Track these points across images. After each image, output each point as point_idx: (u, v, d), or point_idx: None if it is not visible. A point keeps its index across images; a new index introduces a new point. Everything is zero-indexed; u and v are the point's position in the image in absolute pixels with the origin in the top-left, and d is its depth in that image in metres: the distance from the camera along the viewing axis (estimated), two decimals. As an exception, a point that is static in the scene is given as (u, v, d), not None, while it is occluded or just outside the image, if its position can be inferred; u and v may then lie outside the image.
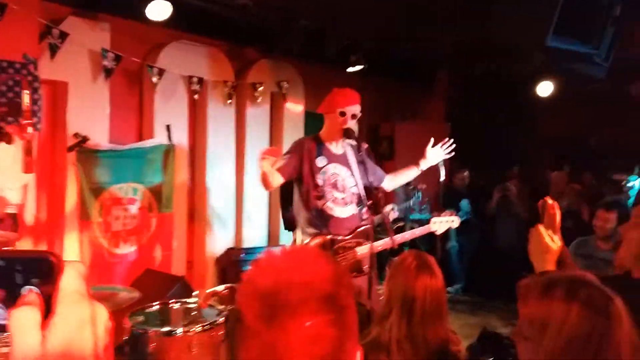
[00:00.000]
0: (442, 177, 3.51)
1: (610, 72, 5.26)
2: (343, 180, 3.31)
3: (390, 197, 5.30)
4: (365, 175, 3.24)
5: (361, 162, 3.28)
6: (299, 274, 0.82)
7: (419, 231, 3.47)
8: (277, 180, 3.18)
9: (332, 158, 3.32)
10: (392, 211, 4.03)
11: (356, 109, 3.28)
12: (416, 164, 3.51)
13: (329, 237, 3.25)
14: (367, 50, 5.73)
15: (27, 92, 2.13)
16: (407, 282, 1.92)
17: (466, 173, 6.66)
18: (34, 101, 3.48)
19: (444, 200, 5.43)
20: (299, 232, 3.36)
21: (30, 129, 2.10)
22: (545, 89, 6.31)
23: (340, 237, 3.26)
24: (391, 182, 3.58)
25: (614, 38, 4.80)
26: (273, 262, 0.86)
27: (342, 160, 3.33)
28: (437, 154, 3.51)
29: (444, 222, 3.46)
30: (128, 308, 2.48)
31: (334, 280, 0.83)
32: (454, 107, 7.29)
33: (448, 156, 3.55)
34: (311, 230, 3.28)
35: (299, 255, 0.91)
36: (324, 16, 5.14)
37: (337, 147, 3.34)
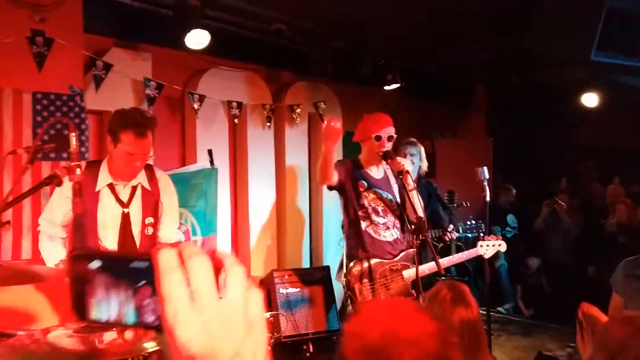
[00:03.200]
0: (488, 197, 3.40)
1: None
2: (384, 205, 3.29)
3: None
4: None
5: (402, 186, 3.25)
6: (405, 330, 0.80)
7: (466, 255, 3.42)
8: (333, 174, 3.18)
9: (374, 182, 3.31)
10: (452, 232, 3.93)
11: (390, 130, 3.30)
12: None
13: (373, 261, 3.21)
14: (403, 69, 5.70)
15: (74, 134, 2.17)
16: (443, 316, 1.85)
17: (511, 188, 6.47)
18: (81, 131, 3.58)
19: (489, 217, 5.28)
20: (344, 254, 3.33)
21: (78, 171, 2.13)
22: (590, 100, 6.11)
23: (385, 261, 3.22)
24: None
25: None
26: (376, 315, 0.84)
27: (384, 184, 3.33)
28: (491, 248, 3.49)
29: (491, 247, 3.44)
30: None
31: (441, 338, 0.81)
32: (495, 122, 7.14)
33: None
34: (355, 252, 3.24)
35: (402, 308, 0.89)
36: (358, 36, 5.16)
37: (378, 171, 3.37)
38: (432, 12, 4.53)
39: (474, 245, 3.72)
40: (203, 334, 0.47)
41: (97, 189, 2.62)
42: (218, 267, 0.50)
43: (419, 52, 5.64)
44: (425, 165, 4.75)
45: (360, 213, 3.26)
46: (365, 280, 3.15)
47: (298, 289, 4.52)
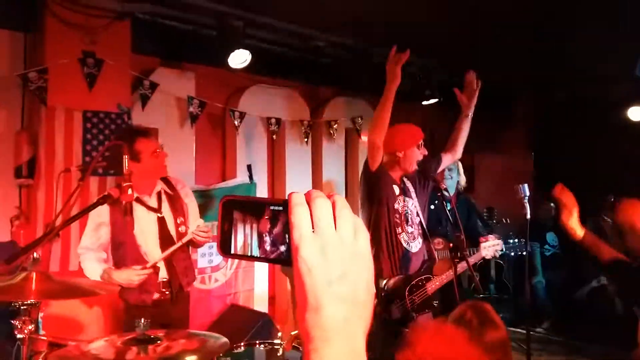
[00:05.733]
0: (528, 215, 3.34)
1: None
2: (411, 214, 3.27)
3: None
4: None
5: (421, 192, 3.32)
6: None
7: (472, 259, 3.40)
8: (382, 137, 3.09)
9: (403, 191, 3.29)
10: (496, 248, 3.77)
11: (423, 149, 3.29)
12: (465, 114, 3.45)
13: (403, 276, 3.18)
14: (442, 82, 5.67)
15: (127, 156, 2.32)
16: (472, 339, 1.83)
17: (552, 205, 6.31)
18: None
19: (529, 234, 5.18)
20: None
21: (130, 191, 2.26)
22: (635, 114, 5.92)
23: (413, 275, 3.19)
24: (451, 155, 3.49)
25: None
26: (429, 347, 0.86)
27: (409, 193, 3.31)
28: (492, 248, 3.50)
29: (491, 247, 3.49)
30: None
31: None
32: (537, 136, 7.00)
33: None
34: (385, 265, 3.19)
35: (454, 339, 0.91)
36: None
37: (402, 178, 3.32)
38: (473, 25, 4.50)
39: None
40: (320, 253, 0.60)
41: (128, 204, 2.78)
42: (334, 208, 0.62)
43: (459, 66, 5.59)
44: (463, 180, 4.70)
45: (393, 218, 3.18)
46: (397, 299, 3.12)
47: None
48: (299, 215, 0.61)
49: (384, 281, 3.16)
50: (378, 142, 3.06)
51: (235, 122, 4.52)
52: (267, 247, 0.66)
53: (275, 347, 2.61)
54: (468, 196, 4.94)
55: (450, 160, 3.55)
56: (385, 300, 3.10)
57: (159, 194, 2.94)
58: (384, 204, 3.17)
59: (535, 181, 5.95)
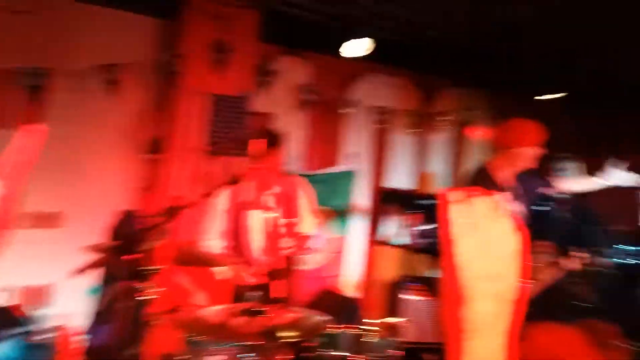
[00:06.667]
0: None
1: None
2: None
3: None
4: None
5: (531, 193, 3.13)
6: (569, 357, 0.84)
7: (564, 267, 3.08)
8: None
9: (499, 191, 3.12)
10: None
11: (539, 149, 3.10)
12: None
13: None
14: (561, 78, 5.34)
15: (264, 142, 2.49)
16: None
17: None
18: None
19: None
20: None
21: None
22: None
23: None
24: None
25: None
26: (546, 344, 0.89)
27: (514, 191, 3.09)
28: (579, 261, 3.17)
29: (579, 259, 3.12)
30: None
31: None
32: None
33: None
34: None
35: (567, 338, 0.92)
36: (513, 44, 4.94)
37: (506, 179, 3.12)
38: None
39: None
40: (475, 250, 0.63)
41: (245, 199, 2.97)
42: (494, 208, 0.66)
43: (587, 55, 5.13)
44: (579, 187, 4.44)
45: None
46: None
47: (427, 297, 4.54)
48: (455, 212, 0.65)
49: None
50: None
51: (347, 110, 4.64)
52: (414, 238, 0.73)
53: (365, 332, 2.65)
54: (587, 202, 4.66)
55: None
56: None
57: (275, 194, 3.02)
58: None
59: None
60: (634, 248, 3.72)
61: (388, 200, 0.98)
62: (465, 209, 0.64)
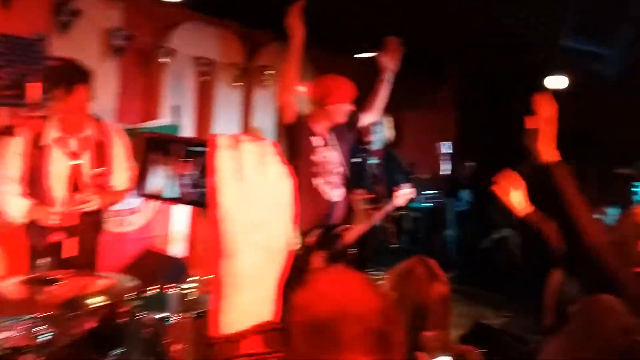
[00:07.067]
0: (447, 171, 3.51)
1: (622, 71, 5.22)
2: (333, 164, 3.30)
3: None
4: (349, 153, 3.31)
5: (343, 143, 3.31)
6: (352, 305, 0.82)
7: (389, 207, 3.48)
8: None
9: (324, 141, 3.27)
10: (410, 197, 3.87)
11: (351, 105, 3.27)
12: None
13: (323, 226, 3.26)
14: (377, 38, 5.67)
15: (38, 84, 2.18)
16: (420, 293, 1.92)
17: (470, 163, 6.65)
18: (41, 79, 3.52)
19: (445, 189, 5.45)
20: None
21: (39, 122, 2.13)
22: (557, 83, 6.25)
23: (332, 225, 3.27)
24: (372, 114, 3.52)
25: (630, 37, 4.76)
26: (326, 289, 0.86)
27: (332, 142, 3.30)
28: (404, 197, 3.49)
29: (404, 195, 3.53)
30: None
31: (385, 315, 0.83)
32: (463, 96, 7.24)
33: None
34: (307, 215, 3.25)
35: (351, 283, 0.90)
36: (336, 3, 5.10)
37: (326, 130, 3.30)
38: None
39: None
40: (239, 200, 0.58)
41: (45, 143, 2.63)
42: (263, 154, 0.61)
43: (393, 22, 5.60)
44: (390, 136, 4.83)
45: (311, 170, 3.18)
46: (318, 250, 3.21)
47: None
48: (221, 159, 0.58)
49: (305, 232, 3.23)
50: (284, 101, 3.05)
51: (164, 60, 4.35)
52: (184, 189, 0.66)
53: (187, 291, 2.62)
54: (393, 151, 5.11)
55: (371, 119, 3.59)
56: (306, 251, 3.17)
57: (83, 139, 2.72)
58: (303, 155, 3.17)
59: (458, 141, 6.21)
60: (432, 192, 4.19)
61: (154, 149, 0.89)
62: (233, 155, 0.57)
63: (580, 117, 7.01)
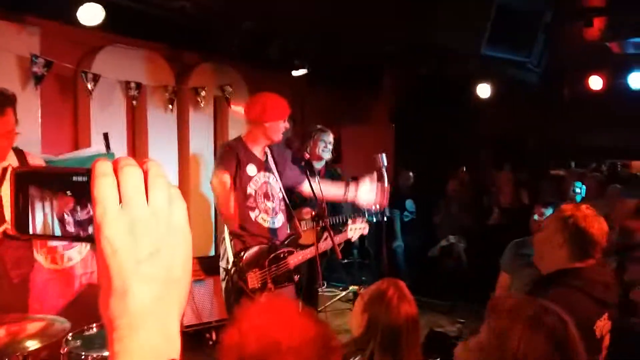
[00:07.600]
0: (386, 183, 3.51)
1: (542, 76, 5.51)
2: (272, 189, 3.27)
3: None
4: (286, 177, 3.32)
5: (281, 163, 3.32)
6: (284, 338, 0.77)
7: (338, 239, 3.41)
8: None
9: (260, 165, 3.26)
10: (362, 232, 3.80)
11: (287, 123, 3.27)
12: (345, 193, 3.41)
13: (266, 245, 3.18)
14: (311, 54, 5.71)
15: None
16: (391, 314, 1.93)
17: (410, 174, 6.77)
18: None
19: (389, 202, 5.48)
20: (227, 236, 3.23)
21: None
22: (483, 91, 6.51)
23: (277, 245, 3.21)
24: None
25: (545, 44, 5.03)
26: (254, 324, 0.80)
27: (268, 166, 3.29)
28: (369, 195, 3.40)
29: (357, 229, 3.55)
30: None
31: (322, 343, 0.79)
32: (399, 109, 7.40)
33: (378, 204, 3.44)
34: (243, 239, 3.18)
35: (282, 313, 0.84)
36: (266, 19, 5.09)
37: (262, 152, 3.30)
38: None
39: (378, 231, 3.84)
40: (127, 231, 0.53)
41: None
42: (146, 177, 0.55)
43: (327, 38, 5.66)
44: (330, 153, 4.82)
45: (247, 203, 3.17)
46: (256, 268, 3.12)
47: (202, 278, 4.46)
48: (103, 188, 0.53)
49: (245, 248, 3.13)
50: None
51: (89, 86, 4.13)
52: (72, 226, 0.59)
53: None
54: (335, 167, 5.10)
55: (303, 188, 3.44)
56: (243, 268, 3.07)
57: (4, 170, 2.58)
58: (237, 188, 3.15)
59: (396, 152, 6.31)
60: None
61: (32, 183, 0.69)
62: (114, 182, 0.54)
63: (510, 123, 7.35)
